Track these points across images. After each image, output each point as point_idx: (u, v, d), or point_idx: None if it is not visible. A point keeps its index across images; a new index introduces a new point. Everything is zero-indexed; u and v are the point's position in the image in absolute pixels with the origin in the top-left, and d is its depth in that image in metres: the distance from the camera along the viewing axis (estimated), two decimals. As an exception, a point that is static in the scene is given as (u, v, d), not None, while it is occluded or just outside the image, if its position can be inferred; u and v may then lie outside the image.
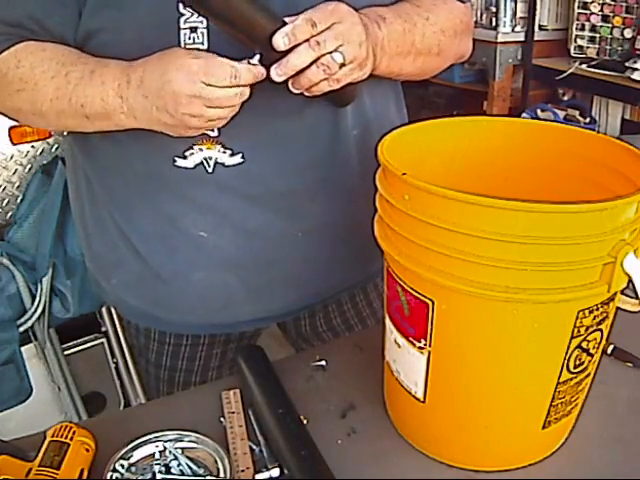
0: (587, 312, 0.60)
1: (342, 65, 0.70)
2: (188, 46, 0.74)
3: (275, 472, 0.68)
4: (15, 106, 0.80)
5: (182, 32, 0.74)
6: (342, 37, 0.69)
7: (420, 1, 0.86)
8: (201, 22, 0.73)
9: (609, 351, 0.84)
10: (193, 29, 0.74)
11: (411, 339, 0.65)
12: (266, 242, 0.87)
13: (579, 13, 2.39)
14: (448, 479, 0.68)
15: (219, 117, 0.70)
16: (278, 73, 0.68)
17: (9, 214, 1.57)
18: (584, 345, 0.62)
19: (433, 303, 0.61)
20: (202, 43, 0.74)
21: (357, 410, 0.77)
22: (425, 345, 0.64)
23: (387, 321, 0.70)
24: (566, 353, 0.62)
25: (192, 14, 0.73)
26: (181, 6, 0.72)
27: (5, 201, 1.56)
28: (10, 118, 0.85)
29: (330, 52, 0.68)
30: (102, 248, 0.94)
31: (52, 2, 0.76)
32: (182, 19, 0.73)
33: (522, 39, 2.47)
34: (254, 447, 0.71)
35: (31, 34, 0.77)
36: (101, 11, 0.75)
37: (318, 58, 0.68)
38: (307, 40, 0.67)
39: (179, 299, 0.91)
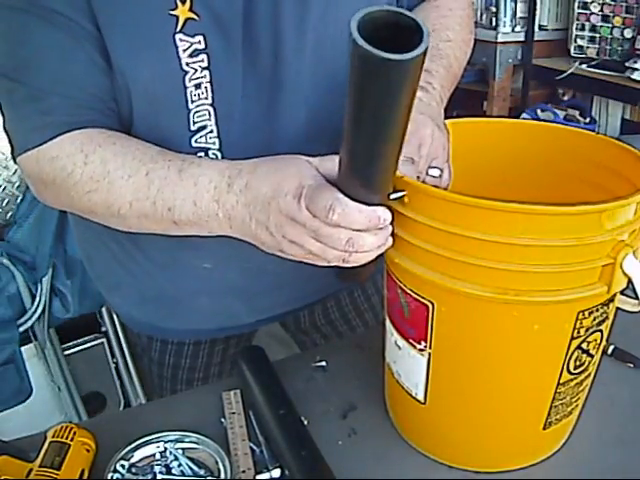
0: (587, 313, 0.60)
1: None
2: (195, 102, 0.72)
3: (276, 473, 0.68)
4: (86, 208, 0.70)
5: (188, 90, 0.71)
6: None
7: (429, 19, 0.84)
8: (204, 77, 0.71)
9: (609, 351, 0.85)
10: (197, 85, 0.71)
11: (411, 341, 0.65)
12: (269, 274, 0.88)
13: (579, 13, 2.38)
14: (448, 480, 0.69)
15: (324, 256, 0.58)
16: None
17: (9, 214, 1.57)
18: (584, 346, 0.62)
19: (433, 305, 0.61)
20: (207, 97, 0.72)
21: (358, 411, 0.78)
22: (425, 347, 0.64)
23: (387, 323, 0.70)
24: (566, 354, 0.62)
25: (195, 70, 0.70)
26: (184, 64, 0.69)
27: (5, 201, 1.56)
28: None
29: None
30: (103, 270, 0.96)
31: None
32: (187, 77, 0.70)
33: (522, 39, 2.46)
34: (255, 448, 0.71)
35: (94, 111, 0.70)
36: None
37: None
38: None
39: (182, 317, 0.94)
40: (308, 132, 0.78)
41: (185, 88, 0.71)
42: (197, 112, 0.73)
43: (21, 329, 1.51)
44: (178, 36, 0.69)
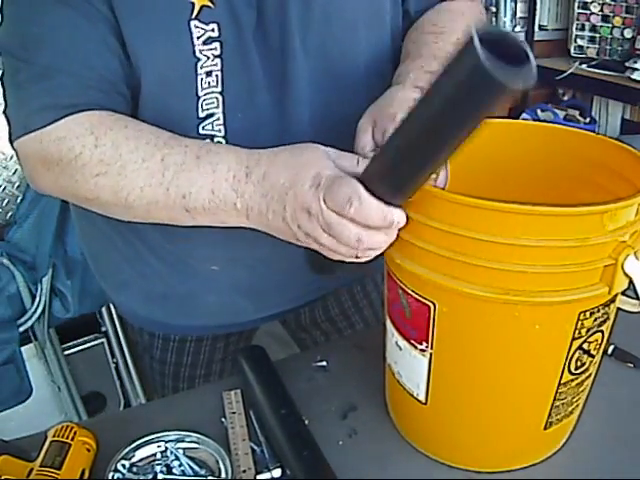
0: (588, 314, 0.60)
1: None
2: (205, 90, 0.71)
3: (277, 473, 0.68)
4: (90, 194, 0.66)
5: (199, 77, 0.71)
6: None
7: (438, 23, 0.82)
8: (215, 65, 0.71)
9: (610, 351, 0.85)
10: (208, 73, 0.71)
11: (412, 342, 0.65)
12: (275, 273, 0.89)
13: (579, 13, 2.39)
14: (449, 480, 0.69)
15: (336, 250, 0.58)
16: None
17: (9, 214, 1.57)
18: (585, 346, 0.62)
19: (434, 305, 0.61)
20: (216, 86, 0.72)
21: (358, 411, 0.78)
22: (427, 347, 0.64)
23: (388, 324, 0.70)
24: (567, 355, 0.62)
25: (208, 58, 0.70)
26: (197, 51, 0.69)
27: (5, 201, 1.56)
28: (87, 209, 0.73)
29: None
30: (109, 268, 0.96)
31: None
32: (199, 64, 0.70)
33: (522, 39, 2.47)
34: (255, 447, 0.71)
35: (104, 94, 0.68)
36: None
37: None
38: None
39: (188, 314, 0.94)
40: (311, 130, 0.78)
41: (197, 75, 0.71)
42: (206, 100, 0.72)
43: (21, 329, 1.51)
44: (193, 23, 0.68)
